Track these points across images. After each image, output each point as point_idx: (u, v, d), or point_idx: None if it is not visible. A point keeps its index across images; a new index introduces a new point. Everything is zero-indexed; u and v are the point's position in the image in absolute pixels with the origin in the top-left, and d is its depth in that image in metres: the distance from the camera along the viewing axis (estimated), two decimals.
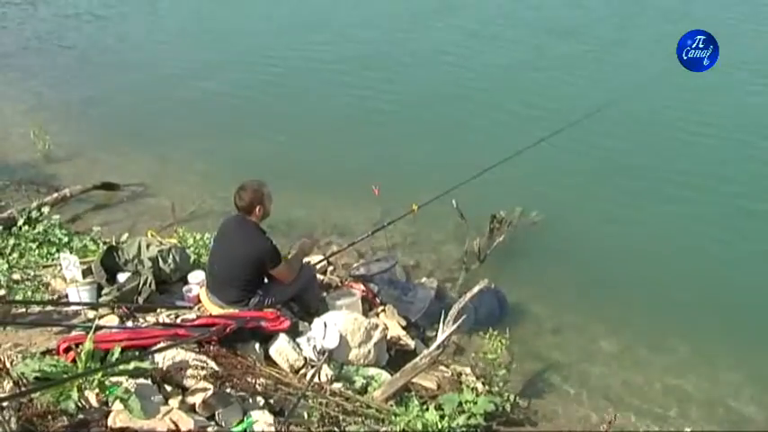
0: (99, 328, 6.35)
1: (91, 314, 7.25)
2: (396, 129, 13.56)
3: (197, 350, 6.44)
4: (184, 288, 8.00)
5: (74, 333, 6.50)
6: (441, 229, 10.70)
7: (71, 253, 8.41)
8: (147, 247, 8.20)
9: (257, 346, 6.94)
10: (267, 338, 7.04)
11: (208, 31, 17.98)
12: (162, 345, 6.14)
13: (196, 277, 8.14)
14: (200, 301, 7.75)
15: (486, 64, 16.20)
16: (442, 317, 7.84)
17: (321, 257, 9.23)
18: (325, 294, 8.37)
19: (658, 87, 14.43)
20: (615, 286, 9.70)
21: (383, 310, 8.61)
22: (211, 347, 6.51)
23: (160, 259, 8.11)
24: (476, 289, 8.40)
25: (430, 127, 13.63)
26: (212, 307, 7.47)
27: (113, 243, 8.74)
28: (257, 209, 7.30)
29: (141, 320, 7.30)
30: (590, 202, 11.34)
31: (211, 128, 13.65)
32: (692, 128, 13.20)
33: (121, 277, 7.93)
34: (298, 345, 7.06)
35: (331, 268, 9.48)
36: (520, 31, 18.19)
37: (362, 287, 8.72)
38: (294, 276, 7.64)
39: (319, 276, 8.80)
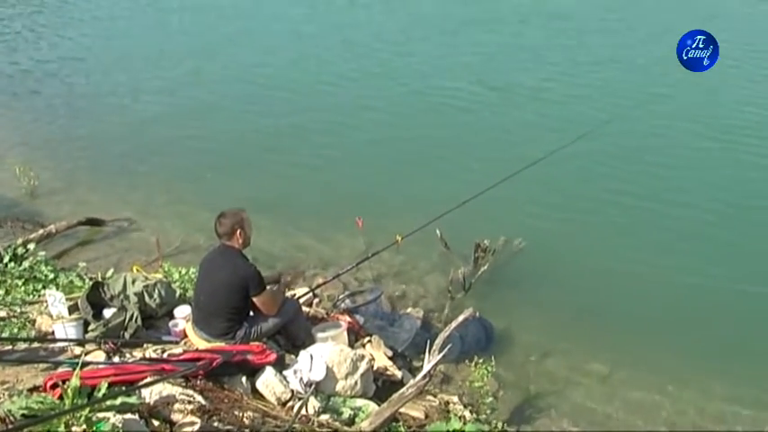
0: (85, 364, 6.35)
1: (77, 350, 7.24)
2: (378, 160, 13.67)
3: (184, 384, 6.44)
4: (170, 323, 8.00)
5: (60, 369, 6.49)
6: (425, 258, 10.77)
7: (57, 289, 8.42)
8: (133, 282, 8.21)
9: (244, 379, 6.94)
10: (254, 372, 7.05)
11: (192, 71, 17.99)
12: (149, 380, 6.15)
13: (182, 312, 8.14)
14: (186, 336, 7.75)
15: (467, 94, 16.29)
16: (428, 346, 7.87)
17: (306, 290, 9.26)
18: (311, 326, 8.39)
19: (640, 114, 14.61)
20: (600, 311, 9.79)
21: (369, 341, 8.63)
22: (198, 382, 6.52)
23: (146, 294, 8.11)
24: (461, 318, 8.45)
25: (412, 157, 13.72)
26: (198, 341, 7.48)
27: (99, 279, 8.75)
28: (238, 233, 7.34)
29: (128, 356, 7.29)
30: (572, 229, 11.47)
31: (195, 163, 13.68)
32: (673, 155, 13.39)
33: (107, 313, 7.92)
34: (284, 377, 7.07)
35: (316, 300, 9.51)
36: (497, 62, 18.30)
37: (348, 318, 8.74)
38: (277, 308, 7.64)
39: (305, 309, 8.81)
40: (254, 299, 7.41)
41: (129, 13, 22.48)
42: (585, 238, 11.24)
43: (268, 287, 7.59)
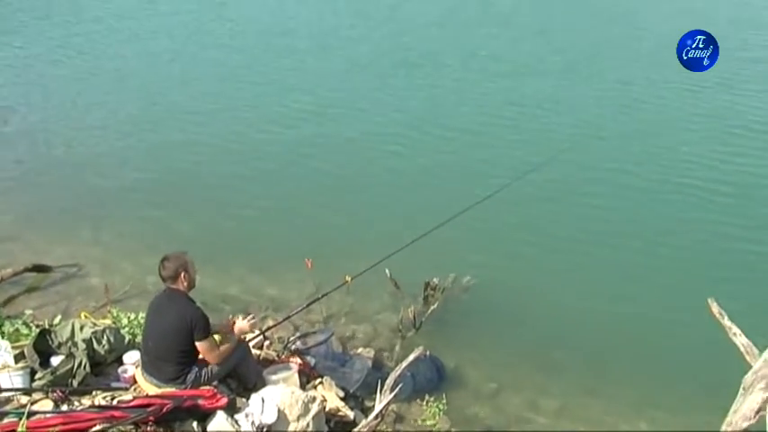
0: (32, 413, 6.28)
1: (24, 399, 7.14)
2: (326, 201, 13.69)
3: (134, 431, 6.39)
4: (120, 369, 7.94)
5: (6, 420, 6.40)
6: (375, 298, 10.83)
7: (2, 338, 8.29)
8: (81, 328, 8.14)
9: (195, 424, 6.91)
10: (205, 416, 7.01)
11: (137, 114, 17.90)
12: (98, 427, 6.10)
13: (131, 357, 8.08)
14: (136, 382, 7.69)
15: (410, 137, 16.32)
16: (380, 386, 7.90)
17: (257, 332, 9.23)
18: (262, 369, 8.36)
19: (580, 153, 14.86)
20: (550, 347, 9.96)
21: (321, 383, 8.63)
22: (149, 428, 6.48)
23: (94, 341, 8.05)
24: (412, 356, 8.50)
25: (360, 198, 13.82)
26: (148, 387, 7.43)
27: (46, 326, 8.64)
28: (182, 275, 7.33)
29: (76, 404, 7.21)
30: (519, 266, 11.66)
31: (142, 207, 13.57)
32: (611, 194, 13.70)
33: (55, 360, 7.83)
34: (236, 421, 7.05)
35: (267, 342, 9.48)
36: (440, 105, 18.45)
37: (299, 360, 8.74)
38: (220, 359, 7.55)
39: (256, 351, 8.80)
40: (197, 343, 7.35)
41: (71, 54, 22.27)
42: (532, 274, 11.43)
43: (216, 337, 7.58)
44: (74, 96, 18.98)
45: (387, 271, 10.10)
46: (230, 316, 8.63)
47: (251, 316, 8.18)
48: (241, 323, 7.90)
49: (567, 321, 10.40)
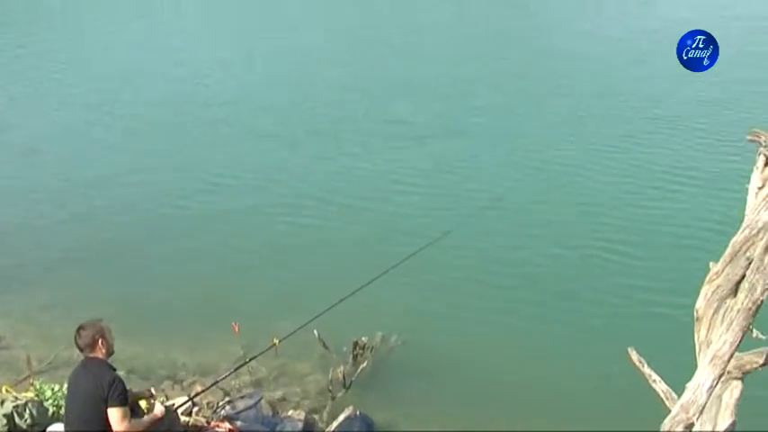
0: None
1: None
2: (249, 265, 13.71)
3: None
4: None
5: None
6: (304, 359, 10.84)
7: None
8: (2, 403, 7.97)
9: None
10: None
11: (55, 184, 17.63)
12: None
13: (56, 430, 7.92)
14: None
15: (330, 197, 16.47)
16: None
17: (185, 398, 9.13)
18: None
19: (498, 211, 15.08)
20: (475, 401, 10.11)
21: None
22: None
23: (16, 415, 7.88)
24: (342, 416, 8.55)
25: (283, 262, 13.89)
26: None
27: None
28: (100, 343, 7.19)
29: None
30: (445, 322, 11.83)
31: (65, 277, 13.38)
32: (532, 249, 13.98)
33: None
34: None
35: (196, 409, 9.38)
36: (371, 156, 18.64)
37: (229, 426, 8.67)
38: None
39: (184, 418, 8.69)
40: (108, 410, 6.92)
41: None
42: (456, 332, 11.59)
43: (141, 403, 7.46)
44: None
45: (315, 332, 10.14)
46: (152, 388, 8.52)
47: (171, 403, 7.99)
48: (159, 407, 7.68)
49: (492, 377, 10.62)
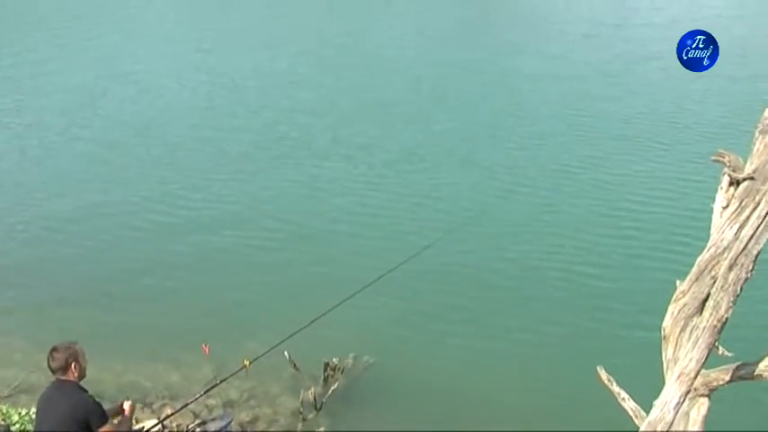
0: None
1: None
2: (221, 285, 13.68)
3: None
4: None
5: None
6: (275, 381, 10.80)
7: None
8: None
9: None
10: None
11: (21, 210, 17.47)
12: None
13: None
14: None
15: (304, 214, 16.59)
16: None
17: (155, 421, 9.05)
18: None
19: (465, 233, 15.12)
20: (448, 419, 10.14)
21: None
22: None
23: None
24: None
25: (255, 280, 13.85)
26: None
27: None
28: (73, 366, 7.14)
29: None
30: (414, 343, 11.87)
31: (31, 300, 13.22)
32: (492, 272, 14.07)
33: None
34: None
35: (166, 431, 9.31)
36: (339, 179, 18.65)
37: None
38: None
39: None
40: (99, 431, 7.19)
41: None
42: (428, 350, 11.65)
43: (114, 421, 7.41)
44: None
45: (286, 353, 10.12)
46: (120, 401, 8.45)
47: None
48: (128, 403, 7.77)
49: (462, 396, 10.65)
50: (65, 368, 7.12)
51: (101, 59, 30.44)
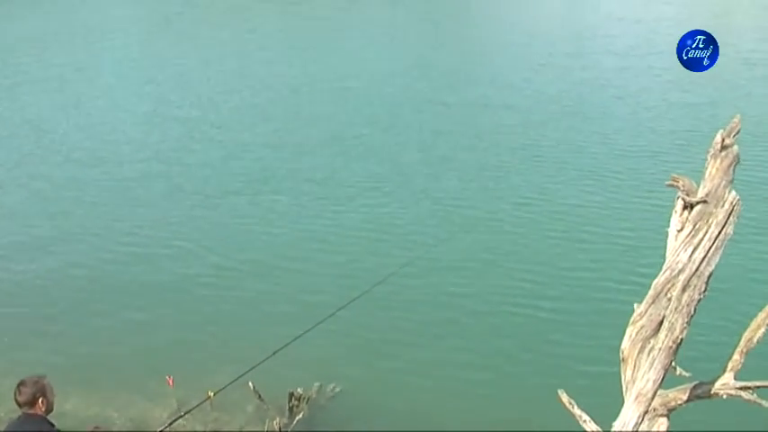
0: None
1: None
2: (183, 317, 13.63)
3: None
4: None
5: None
6: (240, 412, 10.76)
7: None
8: None
9: None
10: None
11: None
12: None
13: None
14: None
15: (263, 247, 16.52)
16: None
17: None
18: None
19: (433, 260, 15.19)
20: None
21: None
22: None
23: None
24: None
25: (216, 312, 13.80)
26: None
27: None
28: (40, 401, 7.08)
29: None
30: (381, 371, 11.88)
31: None
32: (459, 294, 14.20)
33: None
34: None
35: None
36: (297, 212, 18.63)
37: None
38: None
39: None
40: None
41: None
42: (393, 379, 11.68)
43: None
44: None
45: (250, 384, 10.08)
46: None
47: None
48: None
49: (426, 424, 10.67)
50: (32, 402, 7.07)
51: (52, 91, 30.06)
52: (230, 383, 9.29)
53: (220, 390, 9.17)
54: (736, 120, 6.17)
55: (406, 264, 13.55)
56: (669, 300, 5.55)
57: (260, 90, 29.29)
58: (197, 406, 9.13)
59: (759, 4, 43.34)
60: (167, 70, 32.75)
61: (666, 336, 5.33)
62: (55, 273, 15.58)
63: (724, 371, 5.76)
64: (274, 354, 9.74)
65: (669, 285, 5.62)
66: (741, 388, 5.63)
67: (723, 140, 5.95)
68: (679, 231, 5.86)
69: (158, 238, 16.99)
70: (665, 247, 5.94)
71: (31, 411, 7.10)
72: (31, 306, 14.27)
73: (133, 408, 10.90)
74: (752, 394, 5.61)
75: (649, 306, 5.71)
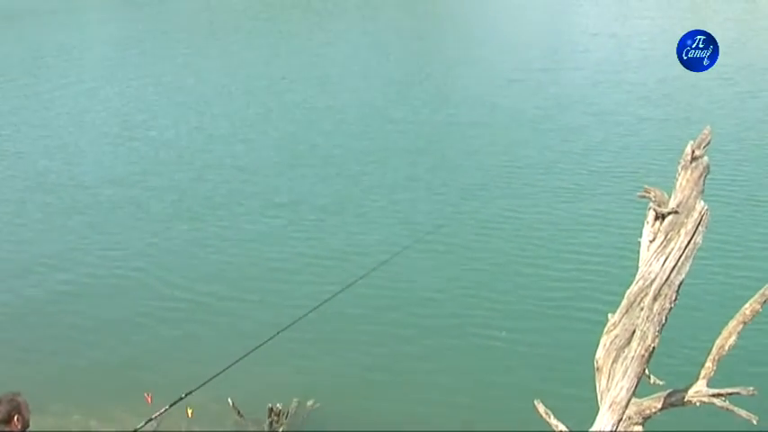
0: None
1: None
2: (159, 334, 13.62)
3: None
4: None
5: None
6: (219, 428, 10.72)
7: None
8: None
9: None
10: None
11: None
12: None
13: None
14: None
15: (231, 265, 16.51)
16: None
17: None
18: None
19: (404, 266, 15.14)
20: None
21: None
22: None
23: None
24: None
25: (193, 329, 13.78)
26: None
27: None
28: (15, 419, 7.03)
29: None
30: (360, 383, 11.96)
31: None
32: (437, 304, 14.27)
33: None
34: None
35: None
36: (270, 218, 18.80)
37: None
38: None
39: None
40: None
41: None
42: (372, 391, 11.73)
43: None
44: None
45: (229, 400, 10.08)
46: None
47: None
48: None
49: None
50: (7, 420, 7.04)
51: (18, 112, 29.91)
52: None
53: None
54: (706, 131, 6.25)
55: (364, 275, 13.61)
56: (642, 310, 5.62)
57: (229, 112, 28.84)
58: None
59: (732, 17, 43.83)
60: (134, 93, 32.30)
61: (639, 344, 5.40)
62: (24, 296, 15.48)
63: (697, 378, 5.83)
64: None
65: (642, 295, 5.69)
66: (714, 395, 5.70)
67: (693, 152, 6.03)
68: (651, 242, 5.93)
69: (126, 259, 16.89)
70: (639, 258, 6.03)
71: (7, 429, 7.07)
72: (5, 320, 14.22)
73: (111, 425, 10.84)
74: (724, 401, 5.68)
75: (623, 316, 5.77)
